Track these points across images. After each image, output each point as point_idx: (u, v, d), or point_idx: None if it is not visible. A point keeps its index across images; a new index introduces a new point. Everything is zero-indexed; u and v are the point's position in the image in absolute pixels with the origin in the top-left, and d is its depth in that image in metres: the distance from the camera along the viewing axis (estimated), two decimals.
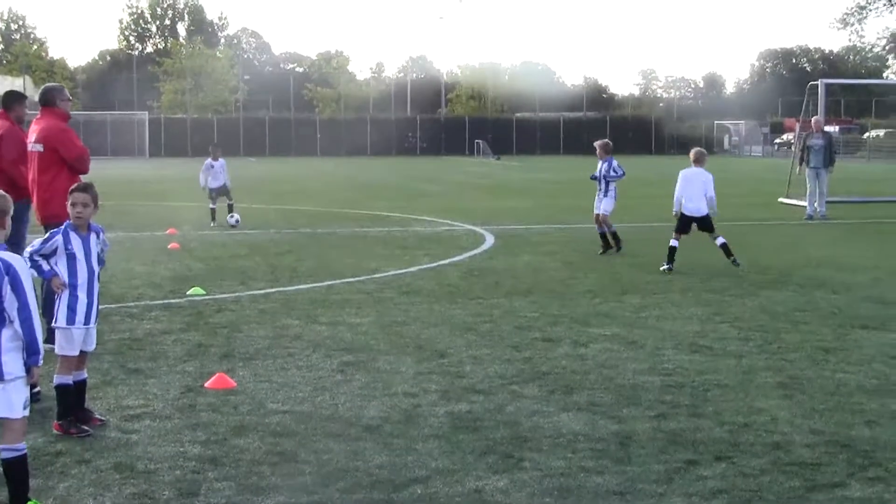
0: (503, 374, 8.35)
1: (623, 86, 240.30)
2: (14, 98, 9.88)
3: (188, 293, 12.28)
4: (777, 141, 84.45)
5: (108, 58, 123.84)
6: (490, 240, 18.33)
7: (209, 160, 21.25)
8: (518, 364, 8.72)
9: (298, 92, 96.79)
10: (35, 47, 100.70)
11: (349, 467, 6.11)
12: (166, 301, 11.90)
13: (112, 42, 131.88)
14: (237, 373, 8.34)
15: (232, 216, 20.22)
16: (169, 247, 16.97)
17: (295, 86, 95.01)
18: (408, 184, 39.02)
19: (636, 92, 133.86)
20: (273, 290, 12.72)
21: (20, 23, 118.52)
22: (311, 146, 77.82)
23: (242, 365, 8.65)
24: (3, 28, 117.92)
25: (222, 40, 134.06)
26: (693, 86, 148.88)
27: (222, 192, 20.93)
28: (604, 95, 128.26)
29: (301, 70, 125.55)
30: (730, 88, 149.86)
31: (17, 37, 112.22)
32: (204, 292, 12.32)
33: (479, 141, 74.73)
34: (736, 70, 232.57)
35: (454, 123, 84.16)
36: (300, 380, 8.17)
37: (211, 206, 20.92)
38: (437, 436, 6.73)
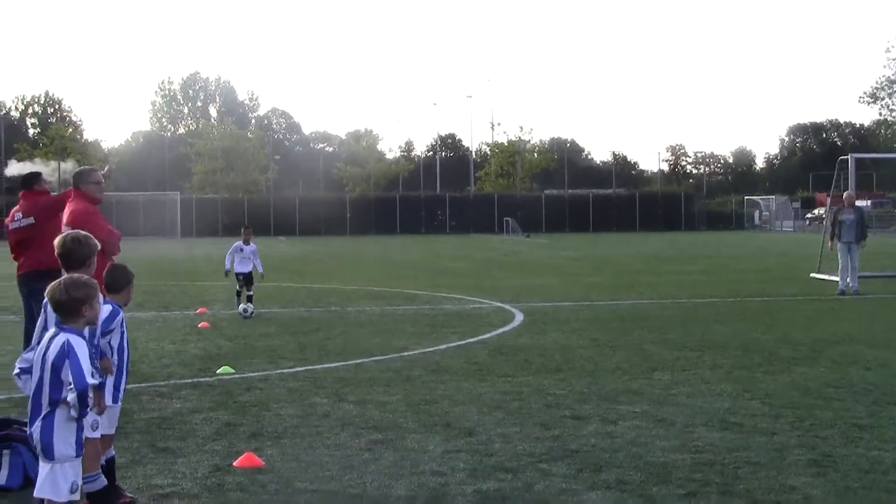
0: (532, 452, 8.30)
1: (652, 162, 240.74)
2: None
3: (218, 372, 12.31)
4: (808, 216, 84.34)
5: (141, 139, 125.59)
6: (519, 317, 18.32)
7: (240, 242, 19.89)
8: (547, 442, 8.67)
9: (328, 171, 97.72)
10: (70, 130, 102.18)
11: None
12: (196, 380, 11.94)
13: (145, 123, 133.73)
14: (266, 451, 8.33)
15: (247, 308, 18.65)
16: (199, 326, 17.06)
17: (325, 165, 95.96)
18: (437, 262, 39.14)
19: (665, 168, 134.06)
20: (302, 368, 12.73)
21: (56, 106, 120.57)
22: (340, 225, 78.32)
23: (271, 444, 8.65)
24: (41, 112, 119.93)
25: (253, 120, 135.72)
26: (722, 161, 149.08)
27: (249, 280, 19.34)
28: (633, 172, 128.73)
29: (331, 149, 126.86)
30: (759, 163, 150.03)
31: (53, 120, 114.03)
32: (233, 371, 12.35)
33: (508, 218, 74.99)
34: (765, 144, 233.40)
35: (483, 201, 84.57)
36: (328, 458, 8.16)
37: (238, 288, 19.48)
38: None
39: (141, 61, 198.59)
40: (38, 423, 5.41)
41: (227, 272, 19.72)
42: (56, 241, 6.20)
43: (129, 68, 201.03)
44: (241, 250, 19.61)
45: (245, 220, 70.13)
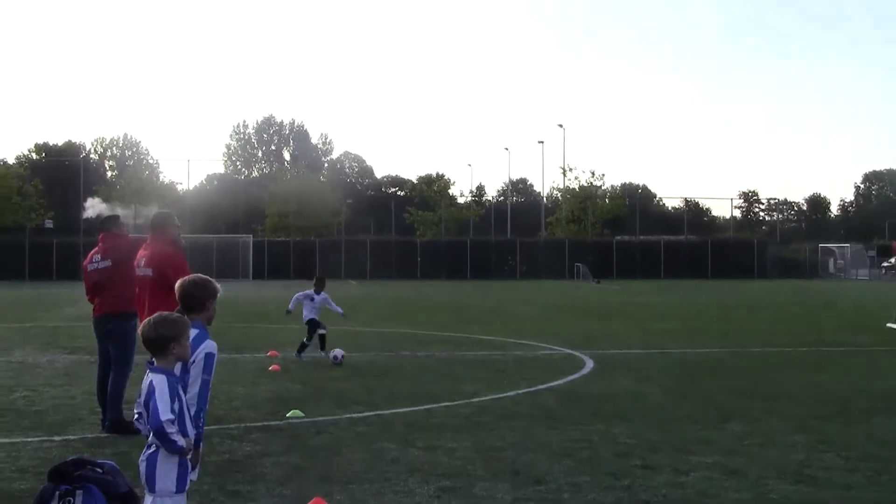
0: (602, 502, 8.22)
1: (724, 208, 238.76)
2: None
3: (287, 415, 12.38)
4: (884, 264, 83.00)
5: (216, 182, 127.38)
6: (589, 364, 18.20)
7: (311, 291, 19.65)
8: (617, 492, 8.58)
9: (399, 215, 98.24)
10: (147, 172, 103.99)
11: None
12: (266, 423, 12.01)
13: (219, 166, 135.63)
14: (334, 497, 8.34)
15: (337, 355, 18.06)
16: (269, 368, 17.18)
17: (396, 209, 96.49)
18: (507, 307, 39.07)
19: (738, 214, 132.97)
20: (371, 413, 12.75)
21: (134, 149, 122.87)
22: (411, 269, 78.57)
23: (340, 489, 8.66)
24: (118, 154, 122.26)
25: (326, 164, 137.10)
26: (796, 208, 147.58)
27: (318, 326, 19.28)
28: (704, 218, 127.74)
29: (402, 193, 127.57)
30: (834, 210, 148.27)
31: (131, 162, 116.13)
32: (302, 415, 12.40)
33: (579, 264, 74.72)
34: (840, 191, 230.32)
35: (554, 246, 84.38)
36: None
37: (306, 339, 19.22)
38: None
39: (217, 104, 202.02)
40: (143, 457, 5.61)
41: (289, 312, 19.92)
42: (177, 285, 6.28)
43: (205, 111, 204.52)
44: (312, 300, 19.59)
45: (317, 265, 70.88)
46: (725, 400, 13.95)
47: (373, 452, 10.20)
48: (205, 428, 5.99)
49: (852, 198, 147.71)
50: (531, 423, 12.05)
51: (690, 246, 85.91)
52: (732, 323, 29.85)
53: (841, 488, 8.73)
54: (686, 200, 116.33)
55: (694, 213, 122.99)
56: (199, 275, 6.44)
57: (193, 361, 5.91)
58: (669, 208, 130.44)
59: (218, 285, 6.33)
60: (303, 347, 19.16)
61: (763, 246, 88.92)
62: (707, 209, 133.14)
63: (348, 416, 12.51)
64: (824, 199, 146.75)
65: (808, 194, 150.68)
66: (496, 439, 10.95)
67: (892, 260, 78.86)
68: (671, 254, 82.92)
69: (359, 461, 9.78)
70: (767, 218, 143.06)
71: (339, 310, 19.86)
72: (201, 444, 5.96)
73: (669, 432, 11.41)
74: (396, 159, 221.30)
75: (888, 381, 16.16)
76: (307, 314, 19.48)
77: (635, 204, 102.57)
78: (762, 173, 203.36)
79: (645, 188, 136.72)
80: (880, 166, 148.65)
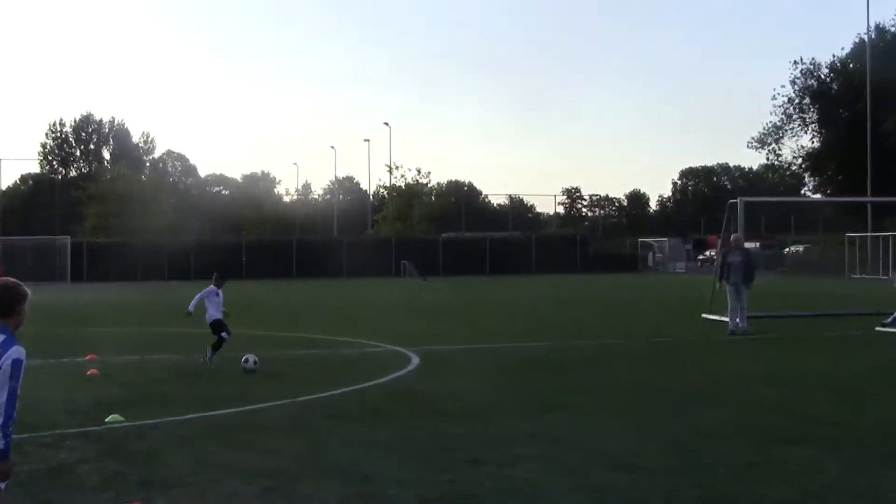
0: (426, 498, 8.22)
1: (548, 205, 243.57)
2: None
3: (106, 420, 12.00)
4: (700, 257, 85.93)
5: (31, 182, 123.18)
6: (415, 361, 18.25)
7: (213, 286, 18.32)
8: (442, 486, 8.60)
9: (225, 214, 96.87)
10: None
11: None
12: (83, 429, 11.62)
13: (34, 166, 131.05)
14: (155, 502, 8.13)
15: (246, 360, 16.99)
16: (88, 373, 16.63)
17: (221, 208, 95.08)
18: (333, 306, 38.92)
19: (561, 211, 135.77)
20: (194, 415, 12.48)
21: None
22: (236, 269, 77.43)
23: (160, 493, 8.43)
24: None
25: (148, 163, 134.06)
26: (617, 204, 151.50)
27: (221, 327, 18.04)
28: (529, 215, 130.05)
29: (227, 192, 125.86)
30: (653, 206, 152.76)
31: None
32: (123, 419, 12.05)
33: (406, 262, 74.96)
34: (659, 187, 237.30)
35: (381, 244, 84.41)
36: None
37: (223, 335, 17.95)
38: None
39: (31, 102, 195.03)
40: None
41: (190, 314, 17.94)
42: None
43: (18, 109, 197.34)
44: (217, 295, 18.24)
45: (139, 267, 69.23)
46: (549, 392, 14.17)
47: (195, 455, 9.97)
48: (14, 437, 5.71)
49: (670, 194, 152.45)
50: (357, 421, 12.00)
51: (515, 242, 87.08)
52: (557, 317, 30.42)
53: (659, 475, 8.95)
54: (511, 197, 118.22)
55: (519, 210, 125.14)
56: (7, 278, 6.17)
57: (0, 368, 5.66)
58: (495, 205, 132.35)
59: (27, 289, 6.06)
60: (219, 344, 17.85)
61: (585, 241, 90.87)
62: (531, 206, 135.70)
63: (171, 418, 12.21)
64: (644, 195, 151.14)
65: (628, 190, 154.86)
66: (322, 437, 10.87)
67: (708, 253, 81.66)
68: (497, 250, 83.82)
69: (181, 464, 9.55)
70: (590, 214, 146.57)
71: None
72: (10, 454, 5.70)
73: (494, 426, 11.52)
74: (221, 157, 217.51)
75: (704, 370, 16.70)
76: (212, 313, 18.10)
77: (461, 201, 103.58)
78: (585, 171, 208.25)
79: (471, 185, 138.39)
80: (696, 163, 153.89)
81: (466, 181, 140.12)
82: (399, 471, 9.19)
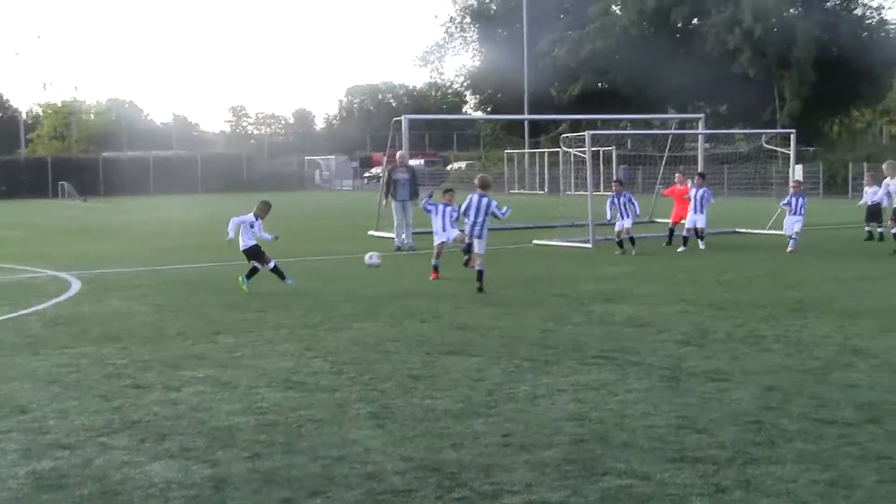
0: (91, 427, 7.96)
1: (214, 123, 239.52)
2: None
3: None
4: (366, 175, 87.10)
5: None
6: (76, 286, 17.57)
7: (252, 216, 17.03)
8: (107, 414, 8.36)
9: None
10: None
11: None
12: None
13: None
14: None
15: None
16: None
17: None
18: None
19: (227, 129, 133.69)
20: None
21: None
22: None
23: None
24: None
25: None
26: (284, 122, 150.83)
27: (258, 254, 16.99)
28: (194, 133, 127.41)
29: None
30: (320, 124, 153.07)
31: None
32: None
33: (64, 182, 71.75)
34: (325, 106, 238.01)
35: (36, 165, 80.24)
36: None
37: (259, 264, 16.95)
38: (16, 499, 6.30)
39: None
40: None
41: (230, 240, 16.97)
42: None
43: None
44: (252, 227, 17.08)
45: None
46: (218, 314, 14.03)
47: None
48: None
49: (336, 112, 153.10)
50: (14, 350, 11.44)
51: (180, 161, 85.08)
52: (223, 237, 30.05)
53: (328, 391, 9.08)
54: (175, 115, 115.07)
55: (183, 129, 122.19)
56: None
57: None
58: (158, 123, 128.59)
59: None
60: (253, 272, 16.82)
61: (252, 160, 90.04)
62: (196, 124, 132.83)
63: None
64: (310, 113, 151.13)
65: (295, 109, 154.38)
66: None
67: (373, 171, 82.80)
68: (161, 170, 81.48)
69: None
70: (256, 132, 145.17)
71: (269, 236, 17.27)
72: None
73: (161, 350, 11.29)
74: None
75: (370, 286, 16.99)
76: (250, 241, 16.94)
77: (122, 120, 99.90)
78: (251, 88, 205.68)
79: (132, 104, 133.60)
80: (362, 81, 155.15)
81: (128, 99, 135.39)
82: (59, 401, 8.84)
